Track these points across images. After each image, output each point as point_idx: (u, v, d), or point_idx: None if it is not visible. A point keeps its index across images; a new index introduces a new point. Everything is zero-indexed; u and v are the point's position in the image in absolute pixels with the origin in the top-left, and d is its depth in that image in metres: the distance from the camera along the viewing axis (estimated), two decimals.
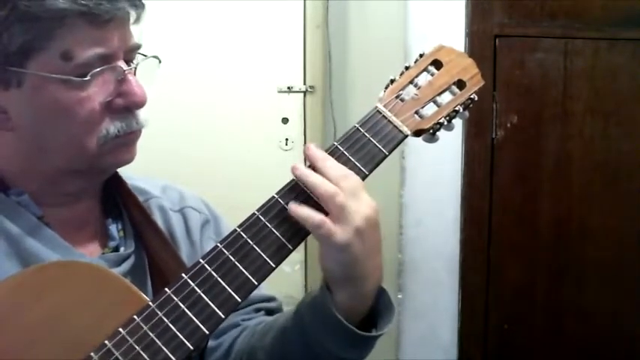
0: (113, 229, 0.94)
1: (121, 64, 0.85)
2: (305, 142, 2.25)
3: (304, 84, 2.25)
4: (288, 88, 2.25)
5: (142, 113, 0.89)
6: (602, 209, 2.05)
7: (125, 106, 0.86)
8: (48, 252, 0.85)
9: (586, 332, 2.08)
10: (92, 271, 0.79)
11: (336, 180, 0.82)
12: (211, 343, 0.99)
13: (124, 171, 0.97)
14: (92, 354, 0.74)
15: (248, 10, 2.20)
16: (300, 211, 0.81)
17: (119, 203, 0.97)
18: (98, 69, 0.82)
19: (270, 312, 1.04)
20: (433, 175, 2.15)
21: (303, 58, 2.25)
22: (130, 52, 0.87)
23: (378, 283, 0.86)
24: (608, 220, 2.05)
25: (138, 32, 0.90)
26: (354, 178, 0.83)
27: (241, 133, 2.25)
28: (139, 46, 0.89)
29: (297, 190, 0.83)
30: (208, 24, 2.21)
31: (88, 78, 0.82)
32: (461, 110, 0.94)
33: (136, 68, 0.88)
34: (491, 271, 2.11)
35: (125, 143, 0.88)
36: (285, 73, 2.25)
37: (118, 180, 0.96)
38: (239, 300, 0.78)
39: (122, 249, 0.93)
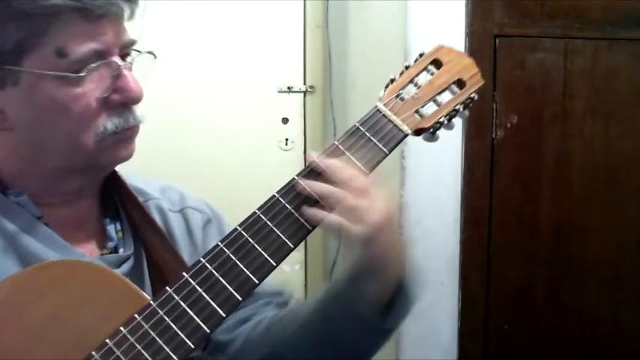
0: (111, 229, 0.94)
1: (117, 59, 0.85)
2: (305, 142, 2.26)
3: (304, 84, 2.26)
4: (288, 88, 2.25)
5: (139, 109, 0.88)
6: (602, 209, 2.05)
7: (121, 101, 0.85)
8: (47, 251, 0.85)
9: (586, 332, 2.08)
10: (93, 271, 0.79)
11: (342, 183, 0.83)
12: (224, 337, 1.00)
13: (123, 171, 0.97)
14: (93, 353, 0.74)
15: (248, 10, 2.21)
16: (319, 214, 0.82)
17: (117, 203, 0.96)
18: (93, 65, 0.82)
19: (279, 306, 1.05)
20: (433, 175, 2.14)
21: (303, 58, 2.25)
22: (125, 48, 0.87)
23: (401, 271, 0.88)
24: (608, 220, 2.05)
25: (137, 30, 0.90)
26: (361, 178, 0.85)
27: (241, 133, 2.25)
28: (133, 42, 0.88)
29: (298, 189, 0.84)
30: (208, 24, 2.21)
31: (83, 74, 0.81)
32: (461, 109, 0.94)
33: (132, 64, 0.88)
34: (491, 271, 2.11)
35: (123, 139, 0.87)
36: (285, 73, 2.25)
37: (117, 179, 0.96)
38: (240, 299, 0.78)
39: (121, 250, 0.93)
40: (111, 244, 0.93)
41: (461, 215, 2.11)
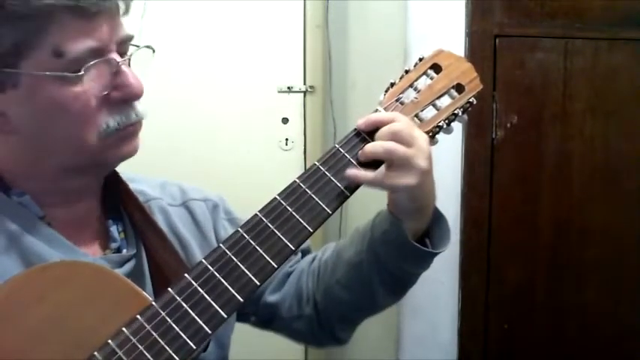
0: (114, 230, 0.95)
1: (114, 56, 0.85)
2: (305, 142, 2.26)
3: (304, 84, 2.26)
4: (288, 88, 2.25)
5: (140, 105, 0.88)
6: (602, 209, 2.05)
7: (122, 98, 0.86)
8: (50, 251, 0.85)
9: (586, 332, 2.08)
10: (95, 271, 0.80)
11: (389, 137, 0.89)
12: (274, 298, 1.06)
13: (124, 173, 0.97)
14: (95, 353, 0.75)
15: (248, 10, 2.21)
16: (362, 175, 0.88)
17: (119, 204, 0.97)
18: (91, 62, 0.82)
19: (304, 252, 1.12)
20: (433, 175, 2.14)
21: (303, 58, 2.25)
22: (122, 44, 0.87)
23: (434, 203, 0.97)
24: (608, 220, 2.05)
25: (137, 30, 0.90)
26: (400, 126, 0.89)
27: (241, 133, 2.26)
28: (131, 37, 0.88)
29: (298, 192, 0.84)
30: (208, 24, 2.21)
31: (81, 72, 0.81)
32: (460, 114, 0.95)
33: (130, 60, 0.88)
34: (491, 271, 2.11)
35: (126, 136, 0.88)
36: (285, 73, 2.25)
37: (117, 180, 0.97)
38: (242, 300, 0.79)
39: (124, 250, 0.94)
40: (114, 245, 0.94)
41: (461, 215, 2.11)
